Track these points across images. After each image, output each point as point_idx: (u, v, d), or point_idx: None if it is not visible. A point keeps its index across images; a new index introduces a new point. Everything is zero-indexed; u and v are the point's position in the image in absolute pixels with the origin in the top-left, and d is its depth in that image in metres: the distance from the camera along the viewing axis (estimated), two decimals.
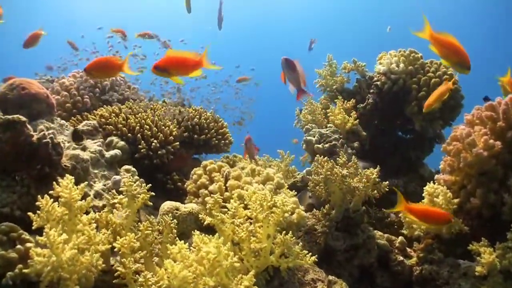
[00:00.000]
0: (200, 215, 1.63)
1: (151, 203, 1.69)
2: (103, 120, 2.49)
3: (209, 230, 1.64)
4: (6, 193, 1.60)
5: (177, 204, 1.87)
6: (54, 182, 1.46)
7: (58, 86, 2.86)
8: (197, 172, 2.09)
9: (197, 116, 2.65)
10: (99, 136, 2.44)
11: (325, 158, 2.28)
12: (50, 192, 1.45)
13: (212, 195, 1.94)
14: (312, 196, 2.39)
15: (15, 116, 1.60)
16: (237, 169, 2.06)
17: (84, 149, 2.12)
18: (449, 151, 2.22)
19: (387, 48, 2.98)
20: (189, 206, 1.88)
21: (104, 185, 2.01)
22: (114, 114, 2.52)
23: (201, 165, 2.14)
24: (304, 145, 2.77)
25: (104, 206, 1.86)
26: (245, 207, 1.71)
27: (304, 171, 2.61)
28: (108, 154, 2.14)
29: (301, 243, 1.61)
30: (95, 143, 2.29)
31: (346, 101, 2.87)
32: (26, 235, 1.47)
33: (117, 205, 1.66)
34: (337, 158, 2.28)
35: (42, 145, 1.67)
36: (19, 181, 1.64)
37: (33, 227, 1.37)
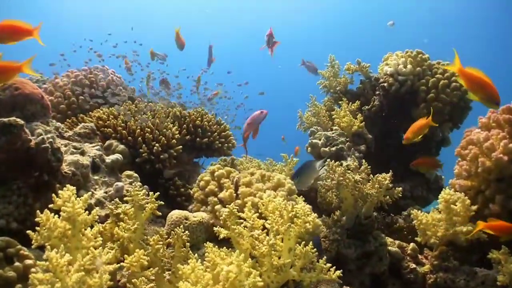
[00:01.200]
0: (214, 228, 1.47)
1: (160, 213, 1.53)
2: (100, 122, 2.31)
3: (220, 239, 1.49)
4: (1, 204, 1.43)
5: (186, 213, 1.72)
6: (54, 194, 1.29)
7: (51, 87, 2.67)
8: (204, 179, 1.93)
9: (199, 118, 2.48)
10: (97, 139, 2.27)
11: (337, 162, 2.14)
12: (50, 205, 1.27)
13: (223, 203, 1.80)
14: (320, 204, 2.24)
15: (11, 118, 1.42)
16: (247, 175, 1.91)
17: (83, 153, 1.95)
18: (464, 155, 2.10)
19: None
20: (199, 215, 1.72)
21: (106, 192, 1.84)
22: (112, 116, 2.34)
23: (208, 171, 1.98)
24: (309, 148, 2.64)
25: (107, 216, 1.70)
26: (260, 217, 1.56)
27: None
28: (108, 159, 1.97)
29: (325, 257, 1.45)
30: (93, 146, 2.12)
31: (350, 103, 2.74)
32: (25, 251, 1.30)
33: (122, 215, 1.50)
34: (349, 163, 2.15)
35: (40, 150, 1.50)
36: (15, 190, 1.46)
37: (32, 246, 1.20)
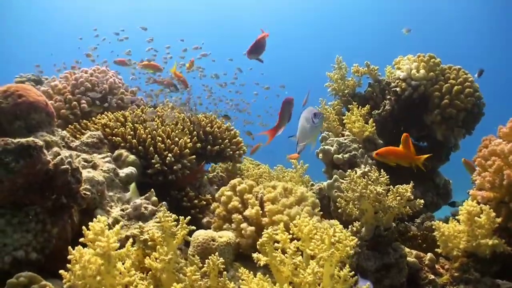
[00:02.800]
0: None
1: (190, 238, 1.40)
2: (108, 130, 2.15)
3: (244, 257, 1.38)
4: (19, 233, 1.28)
5: (211, 233, 1.59)
6: (84, 227, 1.15)
7: (50, 90, 2.49)
8: (226, 193, 1.81)
9: (209, 125, 2.35)
10: (104, 148, 2.11)
11: (358, 173, 2.05)
12: (81, 239, 1.14)
13: (248, 221, 1.69)
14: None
15: (30, 140, 1.27)
16: (271, 189, 1.79)
17: (94, 166, 1.80)
18: (485, 165, 2.03)
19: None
20: (225, 236, 1.60)
21: (122, 209, 1.70)
22: (119, 123, 2.18)
23: (229, 185, 1.86)
24: (321, 155, 2.53)
25: (127, 237, 1.56)
26: (292, 238, 1.45)
27: (325, 184, 2.37)
28: (122, 172, 1.83)
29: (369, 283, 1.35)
30: (103, 158, 1.97)
31: (360, 107, 2.64)
32: (50, 287, 1.16)
33: (149, 242, 1.37)
34: (370, 173, 2.05)
35: (60, 172, 1.35)
36: (33, 216, 1.32)
37: (65, 286, 1.07)
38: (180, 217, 1.38)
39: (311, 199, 1.85)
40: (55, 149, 1.40)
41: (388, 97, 2.64)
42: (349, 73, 2.90)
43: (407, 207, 2.01)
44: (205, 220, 2.09)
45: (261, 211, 1.69)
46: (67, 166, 1.36)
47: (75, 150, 2.02)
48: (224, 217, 1.77)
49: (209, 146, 2.32)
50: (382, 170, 2.08)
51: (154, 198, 1.88)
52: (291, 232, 1.47)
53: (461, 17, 17.48)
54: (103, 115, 2.33)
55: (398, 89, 2.54)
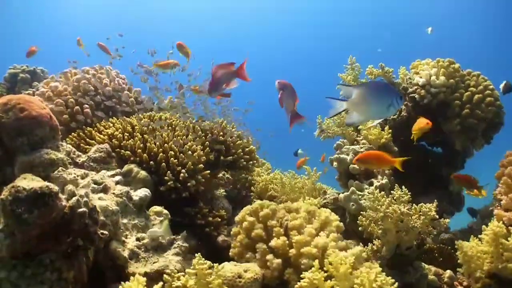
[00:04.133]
0: None
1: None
2: (115, 142, 1.98)
3: None
4: (33, 286, 1.12)
5: (238, 269, 1.45)
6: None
7: (50, 91, 2.28)
8: (248, 219, 1.67)
9: (221, 133, 2.18)
10: (113, 163, 1.94)
11: (382, 192, 1.92)
12: None
13: (274, 251, 1.55)
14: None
15: (44, 186, 1.10)
16: (295, 215, 1.66)
17: (105, 189, 1.64)
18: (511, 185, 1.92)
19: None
20: (251, 270, 1.46)
21: (138, 239, 1.55)
22: (127, 134, 2.01)
23: (250, 209, 1.72)
24: (335, 163, 2.40)
25: (146, 273, 1.42)
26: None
27: (341, 196, 2.24)
28: (136, 196, 1.67)
29: None
30: (113, 176, 1.80)
31: None
32: None
33: None
34: (392, 191, 1.93)
35: (77, 216, 1.19)
36: (48, 265, 1.16)
37: None
38: (214, 264, 1.24)
39: (335, 222, 1.72)
40: (70, 187, 1.23)
41: (405, 102, 2.49)
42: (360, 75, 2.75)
43: (431, 226, 1.91)
44: (220, 238, 1.96)
45: (287, 241, 1.56)
46: (84, 209, 1.20)
47: (82, 167, 1.85)
48: (247, 245, 1.64)
49: (222, 157, 2.16)
50: (403, 187, 1.96)
51: (166, 223, 1.73)
52: (325, 269, 1.36)
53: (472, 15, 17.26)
54: (108, 123, 2.15)
55: (416, 96, 2.39)
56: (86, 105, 2.23)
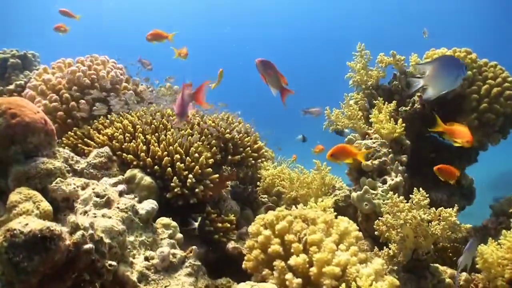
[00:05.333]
0: None
1: None
2: (116, 144, 1.81)
3: None
4: None
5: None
6: None
7: (43, 84, 2.08)
8: (263, 233, 1.53)
9: (228, 130, 2.02)
10: (114, 168, 1.78)
11: (401, 197, 1.79)
12: None
13: (293, 270, 1.42)
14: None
15: (43, 228, 0.94)
16: (314, 228, 1.52)
17: (108, 203, 1.48)
18: None
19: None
20: None
21: (147, 258, 1.41)
22: (128, 135, 1.84)
23: (265, 221, 1.58)
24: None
25: None
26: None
27: (354, 195, 2.11)
28: (142, 209, 1.52)
29: None
30: (115, 184, 1.64)
31: (386, 103, 2.34)
32: None
33: None
34: (412, 196, 1.80)
35: (82, 253, 1.04)
36: None
37: None
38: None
39: (354, 233, 1.60)
40: (72, 218, 1.08)
41: (419, 94, 2.33)
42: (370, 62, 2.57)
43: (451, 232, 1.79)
44: (230, 246, 1.83)
45: (307, 258, 1.43)
46: (90, 245, 1.04)
47: (82, 175, 1.69)
48: (263, 260, 1.50)
49: (229, 156, 2.00)
50: (421, 189, 1.83)
51: (179, 235, 1.59)
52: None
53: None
54: (107, 121, 1.96)
55: None
56: (83, 101, 2.04)
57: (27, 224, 0.93)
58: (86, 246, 1.03)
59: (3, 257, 0.89)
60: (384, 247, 1.90)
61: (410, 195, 1.83)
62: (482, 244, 1.89)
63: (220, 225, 1.82)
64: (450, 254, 2.14)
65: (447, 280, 1.92)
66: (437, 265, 1.96)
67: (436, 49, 2.37)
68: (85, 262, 1.05)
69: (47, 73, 2.15)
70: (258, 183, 2.43)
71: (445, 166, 2.08)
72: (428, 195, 1.83)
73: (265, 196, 2.45)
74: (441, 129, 1.96)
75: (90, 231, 1.07)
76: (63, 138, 1.93)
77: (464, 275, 1.99)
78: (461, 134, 1.89)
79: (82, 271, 1.06)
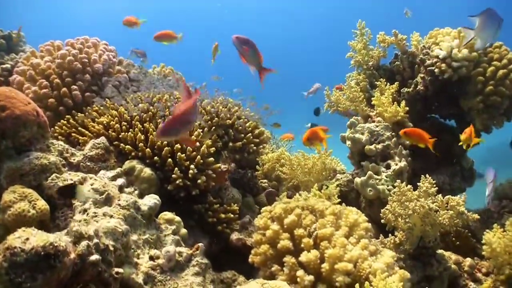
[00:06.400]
0: None
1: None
2: (112, 133, 1.70)
3: None
4: None
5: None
6: None
7: (31, 69, 1.94)
8: (272, 227, 1.46)
9: (228, 115, 1.92)
10: (112, 159, 1.68)
11: (408, 186, 1.73)
12: None
13: (304, 267, 1.36)
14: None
15: (46, 244, 0.85)
16: (323, 222, 1.46)
17: (108, 199, 1.39)
18: None
19: None
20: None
21: (152, 257, 1.33)
22: (125, 123, 1.73)
23: (273, 214, 1.50)
24: (349, 142, 2.18)
25: None
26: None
27: (357, 180, 2.05)
28: (144, 205, 1.43)
29: None
30: (114, 178, 1.55)
31: (388, 84, 2.25)
32: None
33: None
34: (419, 184, 1.74)
35: (88, 265, 0.95)
36: None
37: None
38: None
39: (364, 224, 1.54)
40: (76, 227, 0.99)
41: (422, 75, 2.25)
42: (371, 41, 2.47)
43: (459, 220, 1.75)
44: (234, 237, 1.76)
45: (318, 254, 1.37)
46: (97, 256, 0.96)
47: (78, 168, 1.59)
48: (271, 256, 1.44)
49: (230, 143, 1.91)
50: (427, 176, 1.77)
51: (183, 231, 1.52)
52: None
53: None
54: (101, 108, 1.85)
55: (436, 70, 2.15)
56: (75, 86, 1.91)
57: (27, 240, 0.84)
58: (92, 258, 0.95)
59: (3, 278, 0.80)
60: (390, 235, 1.86)
61: (416, 183, 1.78)
62: (487, 231, 1.86)
63: (223, 216, 1.75)
64: (453, 239, 2.11)
65: (453, 266, 1.90)
66: (442, 251, 1.92)
67: (440, 29, 2.28)
68: (91, 274, 0.97)
69: (35, 57, 2.01)
70: (257, 166, 2.35)
71: (413, 129, 2.00)
72: (431, 178, 1.79)
73: (265, 180, 2.38)
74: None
75: (95, 240, 0.99)
76: (56, 127, 1.81)
77: (468, 260, 1.96)
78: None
79: (88, 282, 0.98)
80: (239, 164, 2.30)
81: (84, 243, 0.95)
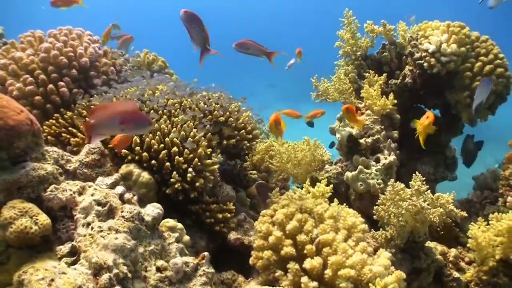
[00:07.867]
0: None
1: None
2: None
3: None
4: None
5: None
6: None
7: (13, 64, 1.85)
8: (274, 234, 1.49)
9: (221, 112, 1.90)
10: (108, 163, 1.65)
11: (402, 185, 1.79)
12: None
13: (308, 274, 1.41)
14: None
15: None
16: (325, 228, 1.50)
17: (111, 211, 1.38)
18: None
19: None
20: None
21: (159, 268, 1.34)
22: None
23: (274, 220, 1.53)
24: (338, 136, 2.21)
25: None
26: None
27: (349, 174, 2.09)
28: (148, 216, 1.42)
29: None
30: (112, 186, 1.53)
31: (376, 75, 2.28)
32: None
33: None
34: (411, 183, 1.80)
35: None
36: None
37: None
38: None
39: (361, 226, 1.59)
40: (94, 258, 0.98)
41: (410, 68, 2.28)
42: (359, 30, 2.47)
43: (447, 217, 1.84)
44: (232, 237, 1.79)
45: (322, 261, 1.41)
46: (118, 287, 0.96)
47: (74, 175, 1.56)
48: (274, 261, 1.48)
49: (224, 141, 1.90)
50: (417, 174, 1.83)
51: (186, 238, 1.53)
52: None
53: None
54: (92, 107, 1.79)
55: (425, 64, 2.18)
56: (62, 83, 1.84)
57: (52, 282, 0.83)
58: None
59: None
60: (380, 229, 1.93)
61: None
62: (472, 223, 1.95)
63: (220, 216, 1.76)
64: (438, 229, 2.21)
65: (439, 257, 2.00)
66: (430, 244, 2.01)
67: (429, 22, 2.30)
68: None
69: (16, 49, 1.91)
70: (246, 157, 2.36)
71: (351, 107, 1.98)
72: (416, 171, 1.85)
73: (254, 172, 2.40)
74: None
75: (115, 271, 0.99)
76: (44, 127, 1.75)
77: (453, 251, 2.07)
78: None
79: None
80: (228, 154, 2.30)
81: (106, 276, 0.95)
